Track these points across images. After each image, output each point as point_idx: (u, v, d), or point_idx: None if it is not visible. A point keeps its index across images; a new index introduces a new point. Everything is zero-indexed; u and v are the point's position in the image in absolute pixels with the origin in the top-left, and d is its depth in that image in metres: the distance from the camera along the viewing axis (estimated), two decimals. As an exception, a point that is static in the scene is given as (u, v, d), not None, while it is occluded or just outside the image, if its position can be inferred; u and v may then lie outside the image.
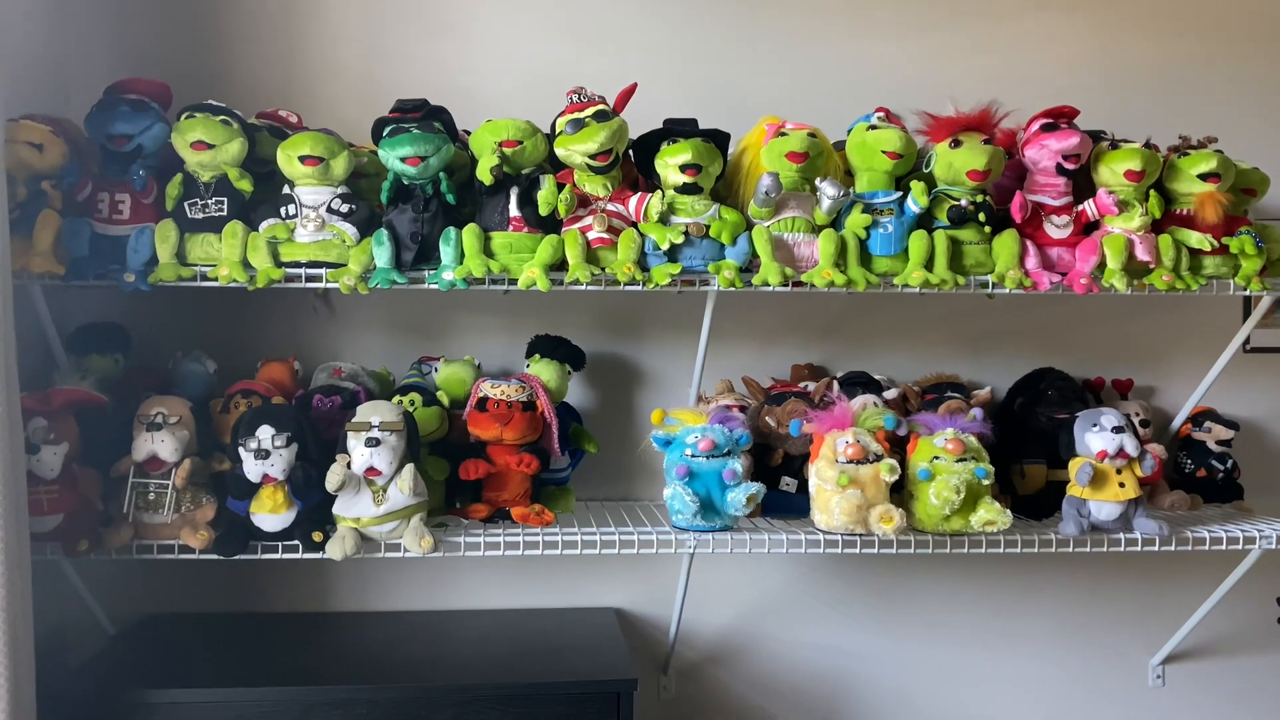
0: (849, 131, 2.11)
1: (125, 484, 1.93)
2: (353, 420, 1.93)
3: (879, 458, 2.00)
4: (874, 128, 2.06)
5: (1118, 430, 2.07)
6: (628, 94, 2.02)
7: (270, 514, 1.91)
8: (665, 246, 1.96)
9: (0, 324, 1.66)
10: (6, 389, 1.67)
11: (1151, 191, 2.10)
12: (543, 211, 1.96)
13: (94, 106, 1.96)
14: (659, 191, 2.00)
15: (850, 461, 1.99)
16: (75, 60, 2.27)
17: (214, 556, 1.92)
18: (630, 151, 2.07)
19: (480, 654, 2.19)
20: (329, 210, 1.96)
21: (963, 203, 2.04)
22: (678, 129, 2.03)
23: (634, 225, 2.00)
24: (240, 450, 1.89)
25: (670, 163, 1.97)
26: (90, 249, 1.92)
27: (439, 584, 2.45)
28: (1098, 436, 2.07)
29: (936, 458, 2.02)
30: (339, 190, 1.98)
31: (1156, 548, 2.09)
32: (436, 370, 2.24)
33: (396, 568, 2.43)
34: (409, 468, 1.92)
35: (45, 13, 2.22)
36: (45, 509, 1.85)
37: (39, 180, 1.89)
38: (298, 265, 1.96)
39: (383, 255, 1.94)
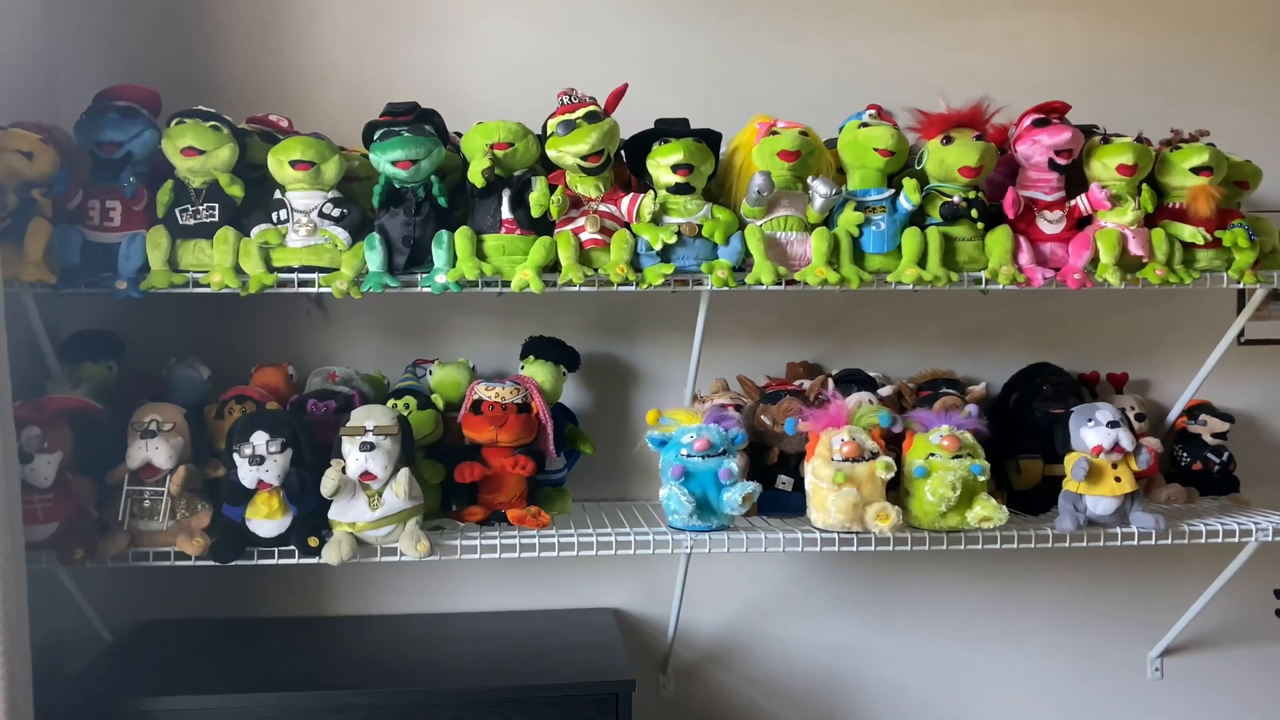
0: (840, 129, 2.11)
1: (120, 491, 1.93)
2: (347, 425, 1.93)
3: (875, 455, 2.00)
4: (865, 125, 2.06)
5: (1113, 425, 2.07)
6: (619, 95, 2.02)
7: (266, 520, 1.91)
8: (658, 247, 1.96)
9: (-8, 333, 1.66)
10: (-1, 398, 1.66)
11: (1144, 186, 2.10)
12: (535, 213, 1.96)
13: (83, 113, 1.95)
14: (651, 192, 2.00)
15: (846, 459, 1.99)
16: (64, 67, 2.27)
17: (210, 563, 1.92)
18: (622, 152, 2.07)
19: (478, 656, 2.19)
20: (320, 215, 1.96)
21: (955, 199, 2.04)
22: (669, 129, 2.02)
23: (626, 226, 2.00)
24: (235, 456, 1.89)
25: (662, 163, 1.97)
26: (81, 257, 1.92)
27: (436, 587, 2.45)
28: (1093, 431, 2.07)
29: (932, 454, 2.02)
30: (330, 195, 1.98)
31: (1153, 541, 2.09)
32: (431, 373, 2.23)
33: (393, 572, 2.43)
34: (404, 471, 1.91)
35: (34, 20, 2.22)
36: (40, 518, 1.85)
37: (29, 188, 1.89)
38: (290, 270, 1.95)
39: (375, 259, 1.93)
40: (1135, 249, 2.06)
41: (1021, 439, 2.27)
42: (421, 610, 2.45)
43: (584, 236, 1.97)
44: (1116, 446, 2.06)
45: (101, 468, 1.94)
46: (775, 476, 2.17)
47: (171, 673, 2.09)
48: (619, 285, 1.96)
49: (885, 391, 2.28)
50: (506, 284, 1.95)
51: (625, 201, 2.00)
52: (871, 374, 2.34)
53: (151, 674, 2.08)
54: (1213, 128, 2.20)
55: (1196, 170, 2.08)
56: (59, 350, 2.10)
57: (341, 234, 1.96)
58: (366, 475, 1.89)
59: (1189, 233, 2.09)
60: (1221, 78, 2.58)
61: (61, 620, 2.17)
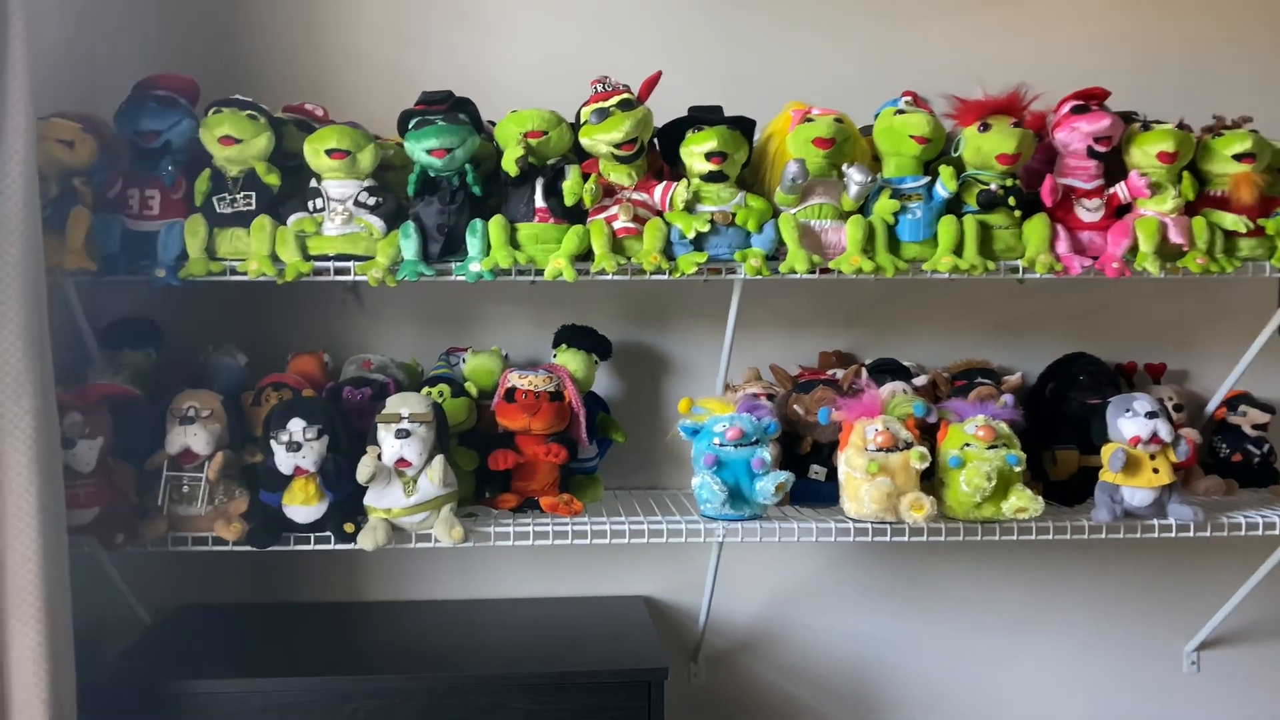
0: (876, 116, 2.09)
1: (159, 477, 1.96)
2: (383, 412, 1.95)
3: (909, 445, 1.99)
4: (901, 112, 2.04)
5: (1151, 415, 2.05)
6: (652, 82, 2.01)
7: (302, 505, 1.93)
8: (691, 235, 1.96)
9: (36, 321, 1.68)
10: (43, 385, 1.69)
11: (1185, 173, 2.07)
12: (568, 202, 1.96)
13: (123, 103, 1.97)
14: (684, 180, 1.99)
15: (880, 449, 1.98)
16: (103, 57, 2.29)
17: (247, 548, 1.94)
18: (655, 140, 2.06)
19: (511, 643, 2.21)
20: (356, 203, 1.97)
21: (992, 187, 2.02)
22: (703, 117, 2.01)
23: (660, 214, 1.99)
24: (272, 443, 1.91)
25: (695, 151, 1.96)
26: (121, 245, 1.94)
27: (469, 573, 2.47)
28: (1130, 422, 2.05)
29: (967, 445, 2.00)
30: (366, 183, 1.99)
31: (1191, 534, 2.07)
32: (464, 361, 2.24)
33: (427, 557, 2.45)
34: (439, 459, 1.93)
35: (73, 10, 2.24)
36: (82, 502, 1.88)
37: (70, 177, 1.91)
38: (326, 258, 1.97)
39: (410, 248, 1.94)
40: (1175, 237, 2.03)
41: (1058, 429, 2.24)
42: (455, 596, 2.47)
43: (617, 225, 1.97)
44: (1155, 437, 2.03)
45: (141, 454, 1.97)
46: (808, 466, 2.17)
47: (209, 656, 2.12)
48: (652, 274, 1.96)
49: (920, 381, 2.26)
50: (540, 272, 1.96)
51: (658, 190, 1.99)
52: (905, 363, 2.32)
53: (190, 657, 2.12)
54: (1256, 113, 2.16)
55: (1239, 157, 2.05)
56: (99, 337, 2.13)
57: (377, 222, 1.96)
58: (402, 462, 1.90)
59: (1231, 221, 2.06)
60: (1264, 62, 2.53)
61: (101, 603, 2.20)
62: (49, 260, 1.81)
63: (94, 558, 2.02)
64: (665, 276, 1.97)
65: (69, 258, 1.87)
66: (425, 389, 2.08)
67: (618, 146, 1.95)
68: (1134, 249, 2.03)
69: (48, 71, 2.10)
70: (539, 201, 1.97)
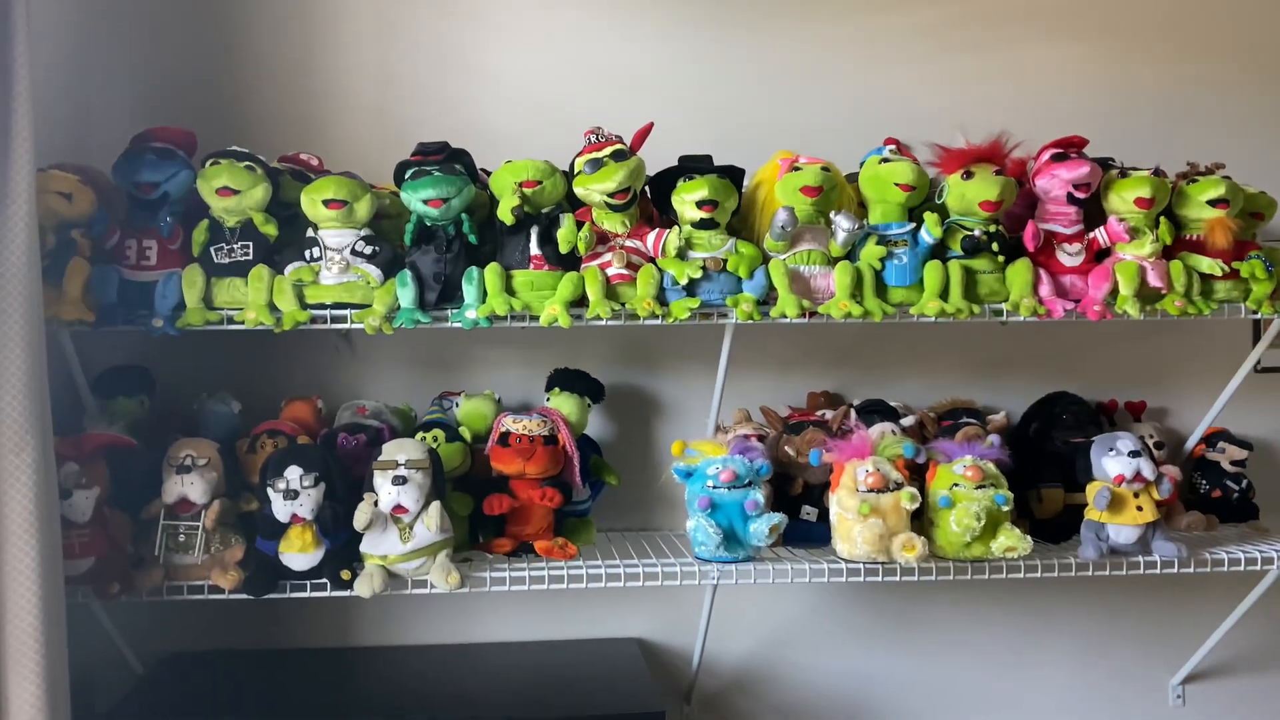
0: (861, 164, 2.14)
1: (155, 526, 1.95)
2: (379, 459, 1.95)
3: (899, 486, 2.02)
4: (886, 160, 2.09)
5: (1134, 454, 2.09)
6: (644, 133, 2.05)
7: (299, 553, 1.93)
8: (684, 281, 1.99)
9: (34, 371, 1.68)
10: (44, 437, 1.69)
11: (1161, 218, 2.12)
12: (563, 249, 1.99)
13: (121, 155, 1.99)
14: (676, 227, 2.03)
15: (871, 490, 2.01)
16: (98, 109, 2.31)
17: (243, 596, 1.94)
18: (647, 189, 2.10)
19: (506, 687, 2.21)
20: (353, 252, 1.99)
21: (976, 233, 2.06)
22: (693, 166, 2.06)
23: (652, 261, 2.03)
24: (269, 491, 1.91)
25: (687, 199, 2.00)
26: (119, 295, 1.95)
27: (464, 618, 2.47)
28: (1114, 461, 2.09)
29: (956, 485, 2.04)
30: (362, 232, 2.01)
31: (1175, 570, 2.11)
32: (458, 405, 2.25)
33: (422, 603, 2.44)
34: (435, 505, 1.93)
35: (69, 64, 2.26)
36: (77, 552, 1.88)
37: (68, 229, 1.91)
38: (323, 307, 1.98)
39: (406, 296, 1.96)
40: (1154, 280, 2.08)
41: (1042, 468, 2.28)
42: (449, 641, 2.46)
43: (611, 271, 2.00)
44: (1138, 476, 2.07)
45: (137, 503, 1.97)
46: (799, 507, 2.19)
47: (202, 705, 2.11)
48: (646, 319, 1.99)
49: (907, 422, 2.30)
50: (535, 319, 1.98)
51: (651, 237, 2.03)
52: (893, 404, 2.36)
53: (182, 707, 2.10)
54: (1228, 160, 2.23)
55: (1213, 203, 2.11)
56: (91, 386, 2.13)
57: (374, 271, 1.99)
58: (399, 509, 1.91)
59: (1207, 264, 2.12)
60: (1237, 109, 2.61)
61: (93, 652, 2.18)
62: (46, 311, 1.82)
63: (86, 607, 2.01)
64: (659, 322, 2.00)
65: (66, 308, 1.88)
66: (420, 434, 2.09)
67: (611, 196, 1.98)
68: (1114, 292, 2.08)
69: (45, 124, 2.12)
70: (534, 249, 2.00)
